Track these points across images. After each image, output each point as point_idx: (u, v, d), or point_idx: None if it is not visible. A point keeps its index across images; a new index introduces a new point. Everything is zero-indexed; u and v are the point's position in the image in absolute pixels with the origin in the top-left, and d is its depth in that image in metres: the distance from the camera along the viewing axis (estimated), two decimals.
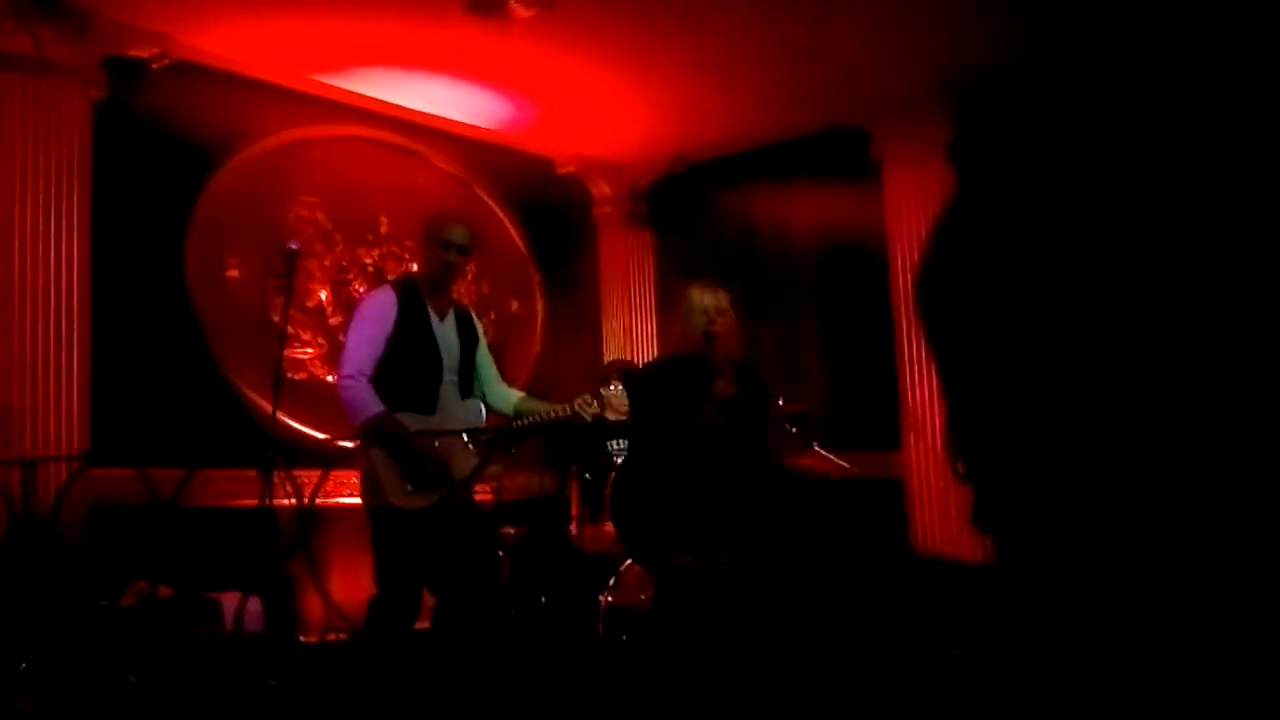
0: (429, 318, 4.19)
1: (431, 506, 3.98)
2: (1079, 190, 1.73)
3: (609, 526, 5.14)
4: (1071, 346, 1.58)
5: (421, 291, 4.23)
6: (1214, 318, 1.58)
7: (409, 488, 3.98)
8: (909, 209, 6.54)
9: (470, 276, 7.12)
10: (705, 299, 4.21)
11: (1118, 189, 1.69)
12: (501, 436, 4.25)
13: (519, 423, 4.31)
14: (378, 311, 4.15)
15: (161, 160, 5.72)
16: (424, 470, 3.95)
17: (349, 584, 5.71)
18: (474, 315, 4.54)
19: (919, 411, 6.41)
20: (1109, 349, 1.57)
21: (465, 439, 4.15)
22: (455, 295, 4.46)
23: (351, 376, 4.03)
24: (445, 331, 4.24)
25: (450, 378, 4.20)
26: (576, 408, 4.17)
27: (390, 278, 6.31)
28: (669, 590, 4.05)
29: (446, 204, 7.07)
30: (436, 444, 4.04)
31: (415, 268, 6.80)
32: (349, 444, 5.11)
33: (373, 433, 4.00)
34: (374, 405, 4.01)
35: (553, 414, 4.23)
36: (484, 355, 4.42)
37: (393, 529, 3.99)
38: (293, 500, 4.07)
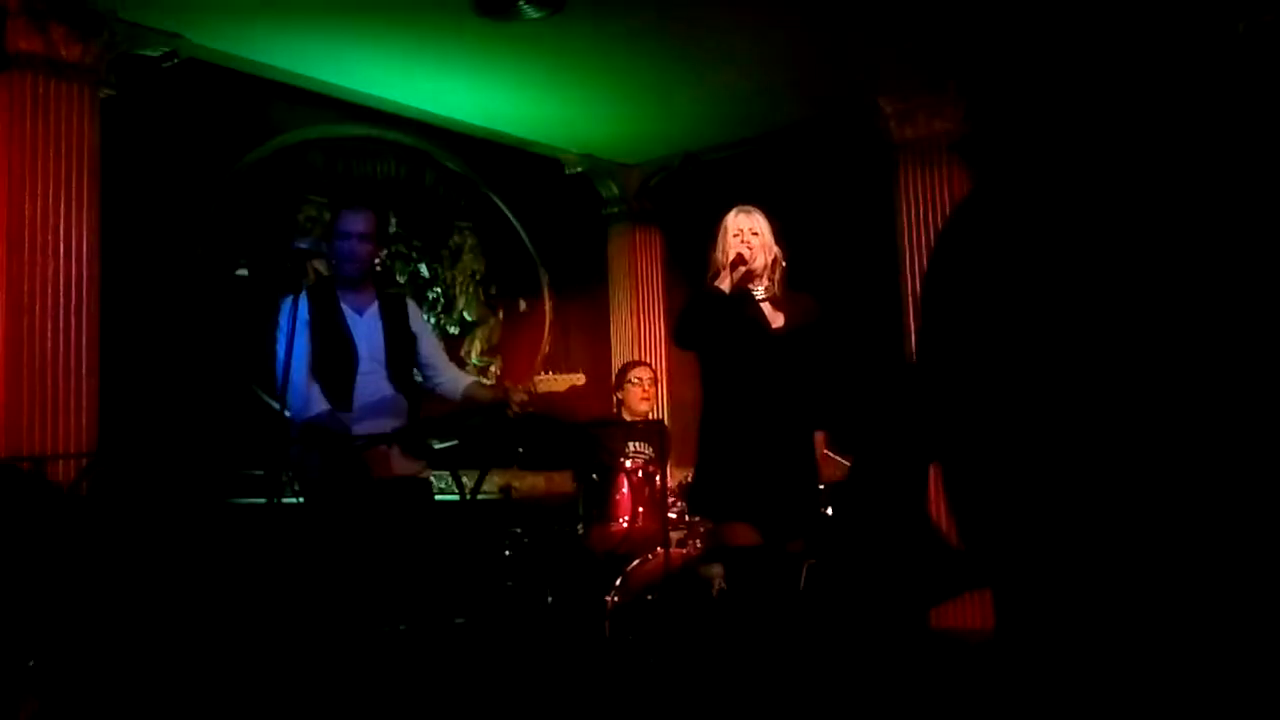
0: (341, 313, 4.23)
1: (358, 509, 3.97)
2: (1086, 192, 1.72)
3: (615, 526, 5.13)
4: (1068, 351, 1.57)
5: (336, 289, 4.28)
6: (1217, 321, 1.56)
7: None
8: (920, 204, 6.54)
9: (478, 277, 7.12)
10: (738, 219, 4.01)
11: (1124, 195, 1.68)
12: (420, 434, 4.22)
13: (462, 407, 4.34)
14: (285, 317, 4.20)
15: (171, 160, 5.74)
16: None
17: None
18: (410, 302, 4.54)
19: None
20: (1106, 354, 1.55)
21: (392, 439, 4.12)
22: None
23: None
24: (364, 324, 4.26)
25: (372, 369, 4.20)
26: (508, 393, 4.19)
27: (400, 279, 6.37)
28: (736, 575, 3.87)
29: (455, 204, 7.09)
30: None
31: (424, 269, 6.82)
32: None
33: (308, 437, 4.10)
34: (308, 410, 4.09)
35: (488, 398, 4.27)
36: (426, 342, 4.41)
37: (327, 528, 4.01)
38: (300, 499, 4.09)
